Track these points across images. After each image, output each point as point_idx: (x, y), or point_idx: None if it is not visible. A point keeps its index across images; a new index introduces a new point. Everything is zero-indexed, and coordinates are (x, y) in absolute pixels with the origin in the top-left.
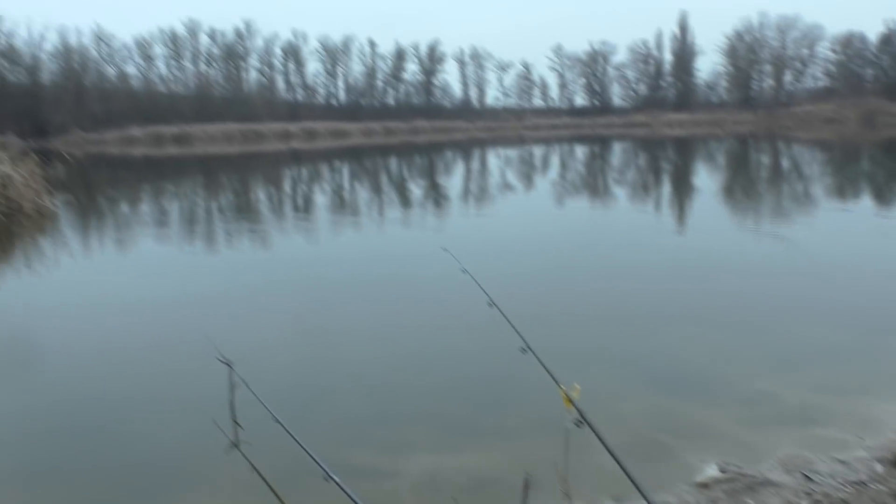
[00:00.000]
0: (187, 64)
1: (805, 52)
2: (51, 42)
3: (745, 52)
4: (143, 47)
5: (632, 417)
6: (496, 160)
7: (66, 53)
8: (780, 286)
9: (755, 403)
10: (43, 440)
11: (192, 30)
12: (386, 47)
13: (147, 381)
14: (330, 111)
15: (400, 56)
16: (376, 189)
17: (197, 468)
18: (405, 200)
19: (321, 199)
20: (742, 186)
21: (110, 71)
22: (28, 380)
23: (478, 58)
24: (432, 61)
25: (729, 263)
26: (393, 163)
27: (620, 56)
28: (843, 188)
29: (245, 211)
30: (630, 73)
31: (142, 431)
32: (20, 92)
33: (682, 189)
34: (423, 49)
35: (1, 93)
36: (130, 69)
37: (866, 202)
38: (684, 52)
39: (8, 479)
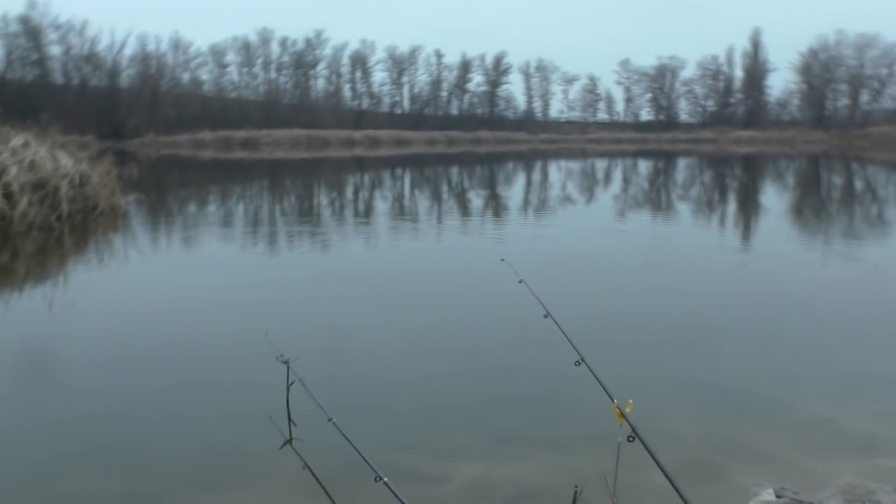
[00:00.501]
0: (258, 71)
1: (884, 71)
2: (131, 48)
3: (819, 70)
4: (217, 54)
5: (685, 437)
6: (558, 172)
7: (145, 59)
8: (846, 311)
9: (815, 430)
10: (105, 427)
11: (265, 38)
12: (452, 58)
13: (207, 376)
14: (393, 119)
15: (466, 67)
16: (436, 197)
17: (251, 463)
18: (465, 210)
19: (382, 205)
20: (812, 207)
21: (185, 77)
22: (95, 370)
23: (543, 70)
24: (498, 72)
25: (794, 286)
26: (454, 172)
27: (689, 71)
28: None
29: (307, 215)
30: (698, 89)
31: (200, 425)
32: (100, 95)
33: (749, 208)
34: (489, 60)
35: (82, 96)
36: (204, 75)
37: None
38: (756, 69)
39: (79, 460)
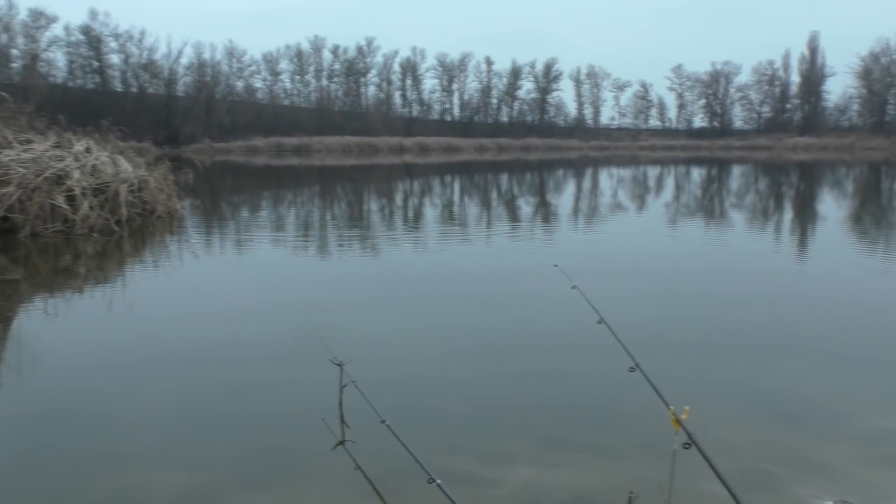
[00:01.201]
0: (310, 78)
1: None
2: (187, 56)
3: (880, 74)
4: (271, 62)
5: (743, 446)
6: (609, 179)
7: (200, 67)
8: None
9: (878, 442)
10: (162, 425)
11: (317, 46)
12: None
13: (261, 377)
14: (443, 126)
15: (516, 74)
16: (487, 203)
17: (304, 463)
18: (516, 215)
19: (432, 211)
20: (872, 215)
21: (239, 84)
22: (153, 370)
23: (594, 76)
24: (548, 79)
25: (854, 293)
26: (504, 179)
27: (744, 77)
28: None
29: (358, 220)
30: (753, 95)
31: (254, 425)
32: (157, 102)
33: (806, 215)
34: (540, 67)
35: (141, 103)
36: (257, 83)
37: None
38: (813, 74)
39: (138, 456)
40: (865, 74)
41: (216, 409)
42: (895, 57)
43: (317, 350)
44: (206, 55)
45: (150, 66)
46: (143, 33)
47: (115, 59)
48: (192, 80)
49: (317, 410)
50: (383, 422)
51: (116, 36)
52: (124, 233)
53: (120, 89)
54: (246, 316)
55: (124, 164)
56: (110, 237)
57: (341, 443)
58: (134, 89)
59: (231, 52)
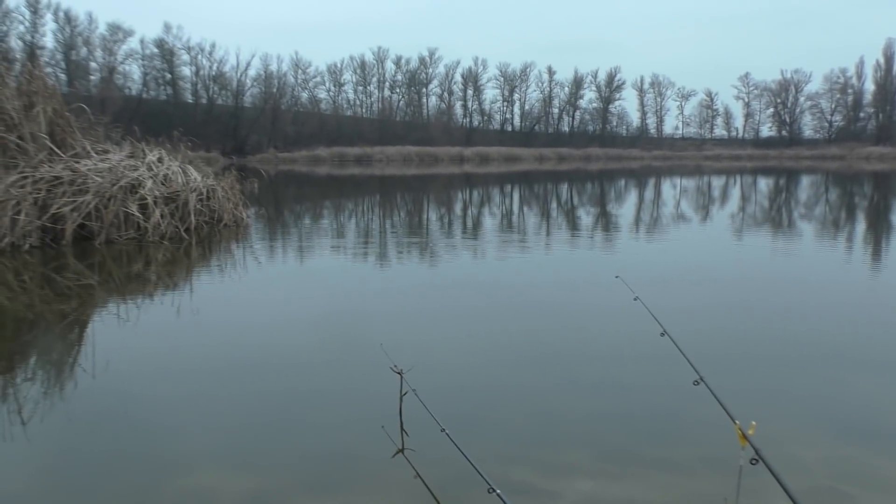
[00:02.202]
0: (373, 89)
1: None
2: (254, 68)
3: None
4: (335, 74)
5: (811, 463)
6: (671, 189)
7: (267, 79)
8: None
9: None
10: (228, 429)
11: (380, 57)
12: (564, 74)
13: (323, 384)
14: (504, 136)
15: (578, 83)
16: (546, 213)
17: (364, 470)
18: (576, 226)
19: (491, 220)
20: None
21: (304, 95)
22: (219, 375)
23: (658, 86)
24: (610, 89)
25: None
26: (564, 189)
27: (814, 85)
28: None
29: (417, 228)
30: (824, 103)
31: (315, 431)
32: (225, 113)
33: (880, 226)
34: (602, 76)
35: (210, 114)
36: (321, 93)
37: None
38: (889, 82)
39: (205, 460)
40: None
41: (279, 414)
42: None
43: (378, 358)
44: (273, 67)
45: (219, 78)
46: (213, 46)
47: (186, 71)
48: (259, 91)
49: (377, 418)
50: (443, 430)
51: (188, 49)
52: (192, 240)
53: (190, 100)
54: (307, 323)
55: (194, 174)
56: (180, 245)
57: (401, 450)
58: (203, 101)
59: (297, 64)
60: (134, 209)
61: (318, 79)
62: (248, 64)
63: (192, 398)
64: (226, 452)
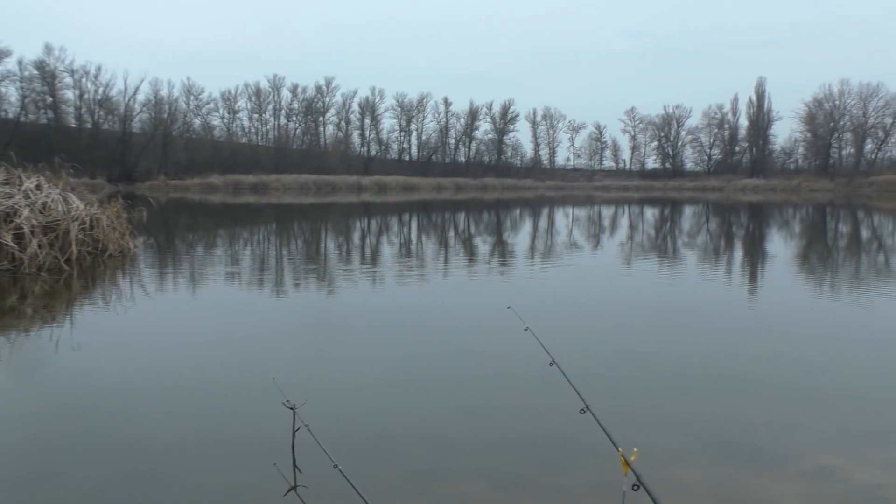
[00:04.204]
0: (268, 117)
1: (888, 120)
2: (144, 93)
3: (824, 119)
4: (229, 100)
5: (691, 485)
6: (564, 219)
7: (157, 104)
8: (853, 357)
9: (823, 479)
10: (110, 471)
11: (276, 85)
12: (460, 106)
13: (212, 421)
14: (402, 165)
15: (473, 114)
16: (443, 243)
17: None
18: (471, 255)
19: (388, 250)
20: (819, 254)
21: (196, 122)
22: (99, 414)
23: (550, 118)
24: (505, 120)
25: (801, 331)
26: (461, 218)
27: (694, 120)
28: None
29: (314, 259)
30: (704, 137)
31: (204, 469)
32: (112, 139)
33: (756, 254)
34: (497, 108)
35: (95, 139)
36: (215, 120)
37: None
38: (761, 118)
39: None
40: (810, 119)
41: (164, 453)
42: (837, 103)
43: (270, 393)
44: (164, 92)
45: (105, 103)
46: (99, 69)
47: (69, 94)
48: (149, 116)
49: (270, 455)
50: (335, 466)
51: (72, 71)
52: (74, 271)
53: (74, 125)
54: (198, 357)
55: (76, 202)
56: (59, 276)
57: (293, 488)
58: (88, 125)
59: (189, 89)
60: (8, 239)
61: (212, 105)
62: (137, 88)
63: (69, 444)
64: (107, 497)
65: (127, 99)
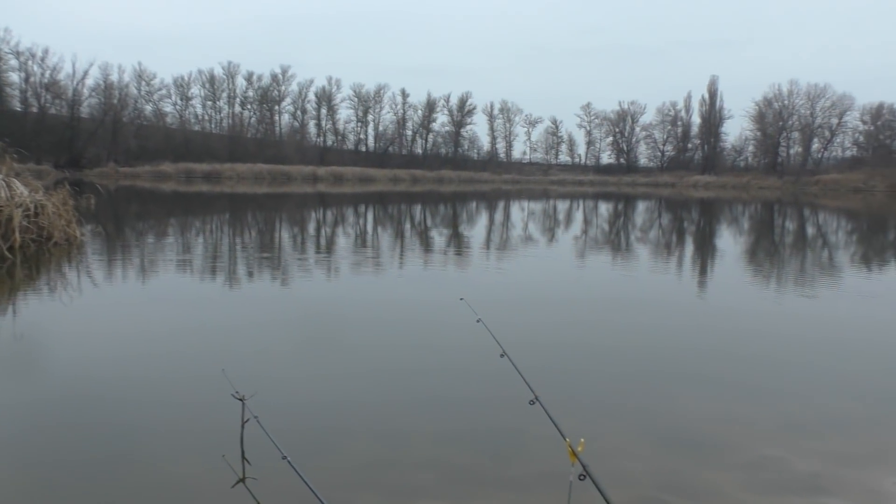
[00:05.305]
0: (223, 105)
1: (834, 121)
2: (93, 78)
3: (773, 118)
4: (181, 87)
5: (637, 475)
6: (520, 213)
7: (107, 89)
8: (797, 352)
9: (763, 469)
10: (53, 464)
11: (230, 72)
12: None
13: (160, 412)
14: (358, 157)
15: (431, 106)
16: (398, 235)
17: (203, 500)
18: (426, 248)
19: (343, 241)
20: (766, 250)
21: (148, 108)
22: (43, 406)
23: (507, 111)
24: (462, 113)
25: (747, 326)
26: (417, 210)
27: (649, 116)
28: (869, 257)
29: (268, 249)
30: (657, 134)
31: (150, 462)
32: (59, 124)
33: (705, 250)
34: (454, 101)
35: (41, 124)
36: (167, 107)
37: (892, 273)
38: (712, 116)
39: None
40: (760, 118)
41: (110, 445)
42: (786, 103)
43: (219, 384)
44: (114, 77)
45: (52, 86)
46: (45, 52)
47: (14, 77)
48: (98, 101)
49: (218, 447)
50: (284, 458)
51: (17, 53)
52: (17, 260)
53: (19, 108)
54: (146, 348)
55: (20, 188)
56: (2, 264)
57: (242, 480)
58: (35, 109)
59: (140, 75)
60: None
61: (164, 91)
62: (86, 73)
63: (12, 435)
64: (50, 494)
65: (75, 83)
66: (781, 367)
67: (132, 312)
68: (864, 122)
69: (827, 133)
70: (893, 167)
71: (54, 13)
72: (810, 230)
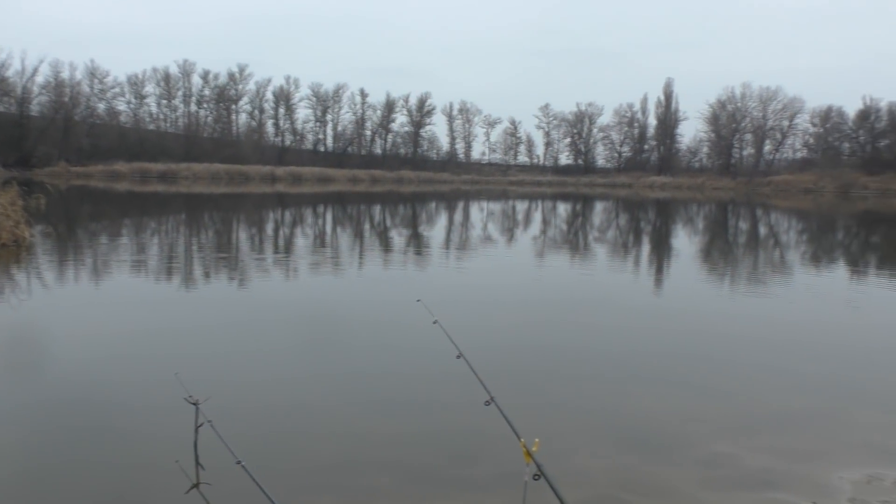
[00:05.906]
0: (178, 103)
1: (785, 123)
2: (43, 75)
3: (726, 120)
4: (135, 85)
5: (592, 473)
6: (479, 213)
7: (58, 87)
8: (748, 351)
9: (716, 465)
10: (3, 472)
11: (186, 71)
12: (377, 97)
13: (112, 417)
14: (317, 157)
15: (390, 106)
16: (357, 235)
17: None
18: (384, 248)
19: (301, 242)
20: (720, 250)
21: (100, 106)
22: None
23: (466, 112)
24: (421, 113)
25: (701, 326)
26: (376, 211)
27: (606, 118)
28: (818, 257)
29: (224, 251)
30: (615, 135)
31: (102, 468)
32: (7, 122)
33: (661, 250)
34: (413, 101)
35: None
36: (121, 106)
37: (840, 272)
38: (668, 118)
39: None
40: (714, 120)
41: (62, 452)
42: (739, 105)
43: (173, 388)
44: (65, 74)
45: (0, 84)
46: None
47: None
48: (49, 99)
49: (172, 452)
50: (238, 462)
51: None
52: None
53: None
54: (98, 352)
55: None
56: None
57: (196, 486)
58: None
59: (92, 73)
60: None
61: (118, 90)
62: (36, 70)
63: None
64: (4, 499)
65: (24, 80)
66: (734, 366)
67: (83, 315)
68: (814, 125)
69: (778, 135)
70: (841, 169)
71: (1, 10)
72: (763, 230)
